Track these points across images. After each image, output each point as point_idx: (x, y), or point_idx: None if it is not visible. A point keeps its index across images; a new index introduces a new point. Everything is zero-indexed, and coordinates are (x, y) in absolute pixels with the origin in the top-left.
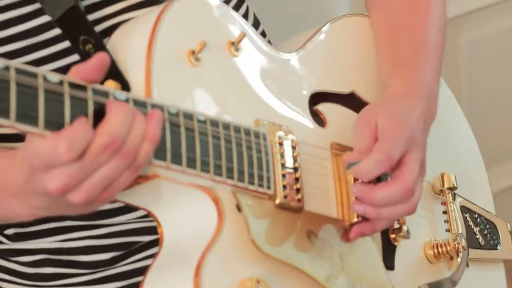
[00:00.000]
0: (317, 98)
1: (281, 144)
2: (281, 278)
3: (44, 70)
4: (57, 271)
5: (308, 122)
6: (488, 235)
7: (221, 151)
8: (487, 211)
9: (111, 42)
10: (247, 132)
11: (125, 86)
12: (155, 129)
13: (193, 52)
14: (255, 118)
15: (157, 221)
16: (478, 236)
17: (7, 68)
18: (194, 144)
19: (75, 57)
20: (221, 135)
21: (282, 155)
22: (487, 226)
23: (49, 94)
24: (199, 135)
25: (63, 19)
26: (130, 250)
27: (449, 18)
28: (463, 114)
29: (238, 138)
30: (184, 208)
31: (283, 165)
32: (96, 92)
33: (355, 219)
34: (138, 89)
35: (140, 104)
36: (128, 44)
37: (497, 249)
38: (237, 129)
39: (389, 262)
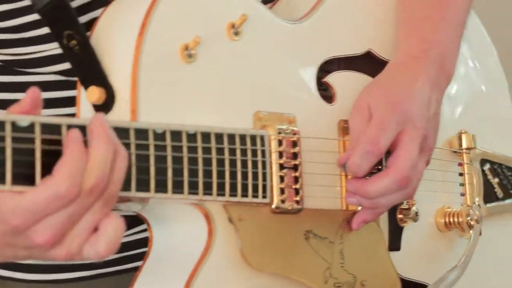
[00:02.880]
0: (329, 66)
1: (280, 141)
2: None
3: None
4: None
5: (314, 101)
6: (508, 185)
7: (212, 168)
8: (509, 158)
9: (96, 34)
10: (243, 138)
11: (110, 92)
12: None
13: (186, 47)
14: (254, 111)
15: (147, 222)
16: (496, 189)
17: None
18: (182, 165)
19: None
20: (213, 148)
21: (281, 154)
22: (508, 174)
23: (17, 143)
24: (188, 153)
25: (47, 10)
26: None
27: None
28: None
29: (232, 148)
30: (175, 219)
31: (281, 165)
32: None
33: (359, 207)
34: (122, 97)
35: (122, 132)
36: (114, 40)
37: None
38: (231, 137)
39: (395, 243)
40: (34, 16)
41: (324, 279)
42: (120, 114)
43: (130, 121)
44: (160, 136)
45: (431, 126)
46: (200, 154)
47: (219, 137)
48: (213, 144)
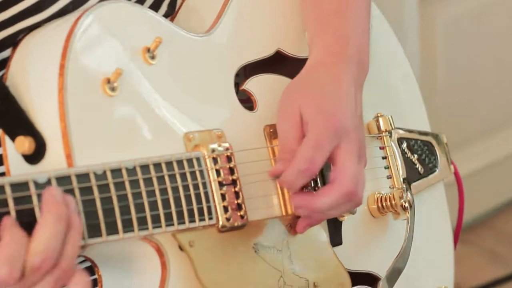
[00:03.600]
0: (244, 73)
1: (215, 159)
2: None
3: None
4: None
5: (237, 112)
6: (426, 159)
7: (156, 198)
8: (421, 132)
9: (11, 80)
10: (180, 163)
11: (39, 139)
12: None
13: (108, 81)
14: (183, 133)
15: (93, 262)
16: (417, 166)
17: None
18: (127, 202)
19: None
20: (154, 178)
21: (218, 172)
22: (425, 149)
23: None
24: (131, 188)
25: None
26: None
27: None
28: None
29: (171, 175)
30: (124, 256)
31: (221, 183)
32: (14, 186)
33: None
34: (54, 142)
35: (64, 181)
36: (33, 85)
37: (436, 170)
38: (169, 164)
39: (336, 238)
40: None
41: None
42: (54, 160)
43: (69, 168)
44: (101, 177)
45: (361, 130)
46: (142, 188)
47: (157, 166)
48: (152, 174)
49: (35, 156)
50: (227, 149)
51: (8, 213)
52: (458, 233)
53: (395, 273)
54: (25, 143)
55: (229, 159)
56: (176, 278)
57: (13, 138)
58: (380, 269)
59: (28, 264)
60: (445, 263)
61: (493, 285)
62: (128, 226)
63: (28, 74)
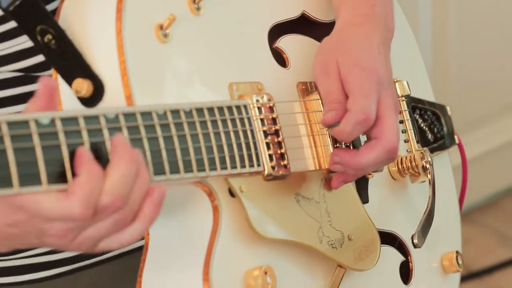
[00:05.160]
0: (276, 32)
1: (260, 108)
2: (284, 260)
3: (31, 114)
4: None
5: (273, 67)
6: (435, 128)
7: (211, 141)
8: (430, 102)
9: (64, 24)
10: (229, 109)
11: (97, 82)
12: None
13: (161, 27)
14: (228, 82)
15: None
16: (427, 133)
17: None
18: (186, 144)
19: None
20: (208, 122)
21: (263, 121)
22: (433, 118)
23: (45, 139)
24: (189, 130)
25: (16, 8)
26: None
27: None
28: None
29: (223, 120)
30: (169, 203)
31: (265, 133)
32: (87, 118)
33: None
34: (113, 84)
35: (130, 117)
36: (89, 28)
37: (444, 139)
38: (220, 109)
39: (363, 196)
40: None
41: (319, 239)
42: (113, 103)
43: (134, 106)
44: (162, 117)
45: (394, 85)
46: (199, 130)
47: (210, 110)
48: (207, 117)
49: (93, 99)
50: (269, 99)
51: (81, 144)
52: (462, 199)
53: (425, 227)
54: (84, 86)
55: (271, 109)
56: (227, 222)
57: (70, 82)
58: (401, 230)
59: (100, 203)
60: (453, 228)
61: (502, 267)
62: (188, 166)
63: (82, 17)
